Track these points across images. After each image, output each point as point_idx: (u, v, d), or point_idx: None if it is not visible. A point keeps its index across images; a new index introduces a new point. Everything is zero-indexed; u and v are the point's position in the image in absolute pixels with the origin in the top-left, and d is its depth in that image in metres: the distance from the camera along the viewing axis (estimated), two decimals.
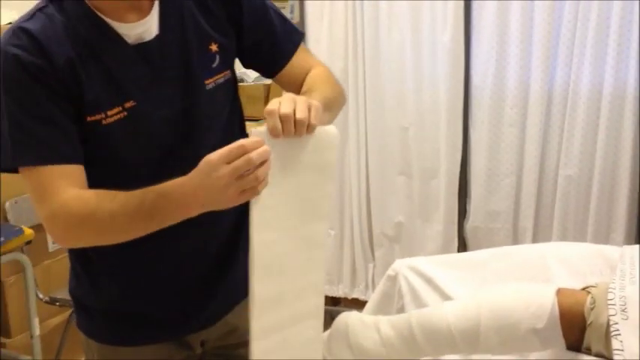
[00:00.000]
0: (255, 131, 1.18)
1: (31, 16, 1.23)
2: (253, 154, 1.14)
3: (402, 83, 2.87)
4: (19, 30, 1.20)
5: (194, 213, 1.21)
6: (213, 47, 1.35)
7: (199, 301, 1.44)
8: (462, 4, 2.66)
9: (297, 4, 3.01)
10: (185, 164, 1.29)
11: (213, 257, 1.42)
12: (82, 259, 1.39)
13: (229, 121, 1.42)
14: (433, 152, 2.88)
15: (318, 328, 1.36)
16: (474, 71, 2.74)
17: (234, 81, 1.43)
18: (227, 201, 1.17)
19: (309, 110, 1.19)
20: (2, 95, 1.20)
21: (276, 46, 1.43)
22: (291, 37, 1.46)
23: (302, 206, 1.28)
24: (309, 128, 1.20)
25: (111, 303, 1.41)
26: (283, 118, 1.17)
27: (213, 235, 1.40)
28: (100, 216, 1.20)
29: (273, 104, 1.17)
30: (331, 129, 1.28)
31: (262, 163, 1.15)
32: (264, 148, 1.16)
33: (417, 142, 2.90)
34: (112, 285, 1.40)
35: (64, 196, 1.20)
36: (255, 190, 1.18)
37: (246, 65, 1.47)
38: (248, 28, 1.39)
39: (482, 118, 2.76)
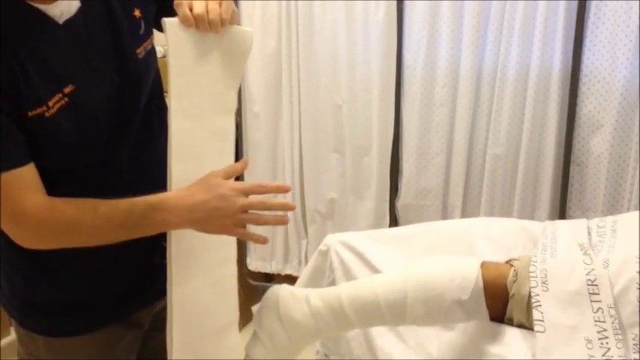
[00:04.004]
0: (169, 21, 1.22)
1: None
2: (268, 201, 1.23)
3: (335, 61, 2.88)
4: None
5: (180, 227, 1.23)
6: (137, 13, 1.30)
7: (149, 275, 1.42)
8: None
9: None
10: (124, 140, 1.29)
11: None
12: (35, 260, 1.32)
13: (154, 89, 1.39)
14: (366, 130, 2.90)
15: None
16: (406, 50, 2.77)
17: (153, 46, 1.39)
18: (220, 227, 1.23)
19: (220, 6, 1.23)
20: None
21: None
22: None
23: (212, 98, 1.32)
24: (223, 23, 1.24)
25: (68, 295, 1.36)
26: (197, 18, 1.20)
27: None
28: (80, 229, 1.18)
29: (183, 0, 1.21)
30: (247, 30, 1.34)
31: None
32: (285, 203, 1.30)
33: (350, 120, 2.92)
34: (69, 277, 1.35)
35: (31, 206, 1.15)
36: (245, 233, 1.26)
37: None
38: None
39: (413, 96, 2.79)
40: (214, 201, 1.19)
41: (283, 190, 1.29)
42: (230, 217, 1.21)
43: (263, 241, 1.31)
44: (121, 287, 1.40)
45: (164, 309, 1.42)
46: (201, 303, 1.36)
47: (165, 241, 1.31)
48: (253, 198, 1.23)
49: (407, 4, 2.71)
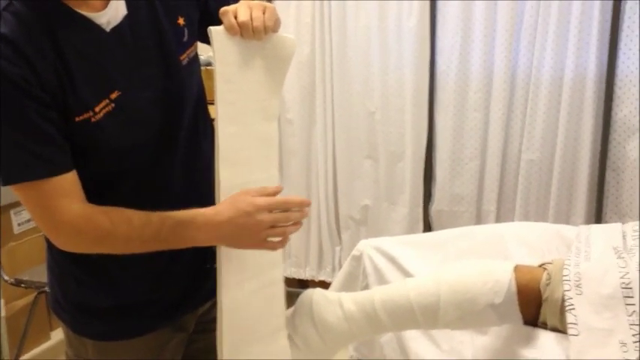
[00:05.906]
0: (215, 29, 1.26)
1: None
2: (292, 215, 1.26)
3: (368, 68, 2.90)
4: None
5: (208, 243, 1.26)
6: (181, 21, 1.33)
7: (198, 279, 1.44)
8: None
9: None
10: (172, 146, 1.32)
11: None
12: (88, 264, 1.34)
13: (198, 96, 1.41)
14: (399, 136, 2.91)
15: None
16: (439, 56, 2.77)
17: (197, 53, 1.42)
18: (248, 243, 1.26)
19: (264, 13, 1.26)
20: None
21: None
22: None
23: (256, 104, 1.35)
24: (267, 30, 1.27)
25: (120, 299, 1.38)
26: (242, 26, 1.24)
27: None
28: (113, 239, 1.21)
29: (228, 8, 1.24)
30: (289, 37, 1.36)
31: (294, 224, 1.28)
32: (304, 212, 1.29)
33: (383, 126, 2.94)
34: (122, 281, 1.37)
35: (68, 214, 1.18)
36: (275, 245, 1.27)
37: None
38: None
39: (447, 102, 2.80)
40: (239, 219, 1.22)
41: (306, 204, 1.31)
42: (256, 233, 1.24)
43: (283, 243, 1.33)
44: (172, 291, 1.42)
45: (209, 311, 1.44)
46: (250, 307, 1.38)
47: (215, 245, 1.33)
48: (277, 214, 1.26)
49: (440, 10, 2.72)
